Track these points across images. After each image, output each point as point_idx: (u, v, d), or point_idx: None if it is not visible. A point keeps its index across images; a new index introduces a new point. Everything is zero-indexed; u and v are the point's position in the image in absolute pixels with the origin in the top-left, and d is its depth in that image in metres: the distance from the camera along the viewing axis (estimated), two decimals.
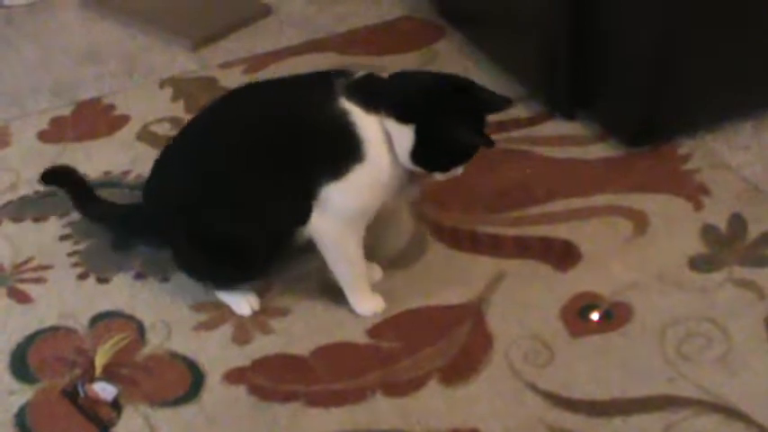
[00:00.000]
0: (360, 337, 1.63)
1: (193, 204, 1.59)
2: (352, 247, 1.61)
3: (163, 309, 1.70)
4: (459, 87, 1.54)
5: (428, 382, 1.54)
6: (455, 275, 1.74)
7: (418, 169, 1.54)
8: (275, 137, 1.54)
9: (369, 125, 1.50)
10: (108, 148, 2.11)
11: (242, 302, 1.68)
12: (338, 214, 1.56)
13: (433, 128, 1.50)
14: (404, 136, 1.50)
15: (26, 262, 1.81)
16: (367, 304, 1.67)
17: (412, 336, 1.62)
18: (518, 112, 2.10)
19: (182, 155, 1.64)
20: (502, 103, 1.55)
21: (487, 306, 1.67)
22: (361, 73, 1.56)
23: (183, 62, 2.41)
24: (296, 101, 1.56)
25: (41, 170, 2.03)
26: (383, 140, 1.50)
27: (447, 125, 1.50)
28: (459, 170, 1.57)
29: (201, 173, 1.58)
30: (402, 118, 1.49)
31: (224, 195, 1.57)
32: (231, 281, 1.68)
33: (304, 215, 1.56)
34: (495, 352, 1.59)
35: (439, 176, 1.57)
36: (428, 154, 1.52)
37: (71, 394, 1.54)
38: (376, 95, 1.51)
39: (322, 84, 1.54)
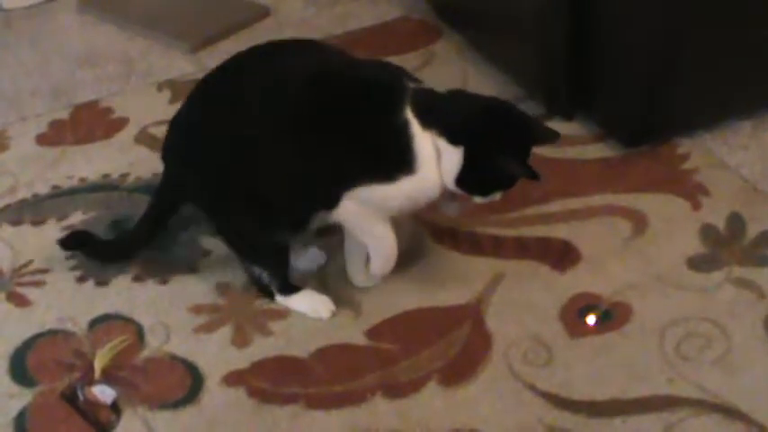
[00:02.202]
0: (359, 339, 1.63)
1: (230, 159, 1.56)
2: (378, 227, 1.60)
3: (162, 311, 1.70)
4: (512, 116, 1.54)
5: (427, 383, 1.54)
6: (454, 276, 1.74)
7: (459, 191, 1.54)
8: (333, 119, 1.51)
9: (424, 140, 1.49)
10: (106, 150, 2.11)
11: (317, 306, 1.68)
12: (368, 206, 1.55)
13: (480, 154, 1.50)
14: (452, 157, 1.50)
15: (25, 265, 1.81)
16: (386, 270, 1.65)
17: (411, 337, 1.62)
18: None
19: (226, 106, 1.58)
20: (551, 136, 1.57)
21: (486, 307, 1.67)
22: (423, 85, 1.55)
23: (182, 65, 2.41)
24: (367, 93, 1.52)
25: (40, 173, 2.04)
26: (434, 157, 1.50)
27: (495, 153, 1.50)
28: (497, 195, 1.57)
29: (245, 130, 1.54)
30: (453, 139, 1.49)
31: (261, 157, 1.54)
32: (254, 235, 1.65)
33: (331, 201, 1.55)
34: (495, 353, 1.59)
35: (478, 200, 1.57)
36: (472, 178, 1.52)
37: (70, 397, 1.54)
38: (433, 112, 1.50)
39: (394, 85, 1.52)
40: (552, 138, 1.58)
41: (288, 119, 1.52)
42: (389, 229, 1.61)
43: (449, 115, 1.51)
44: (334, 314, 1.68)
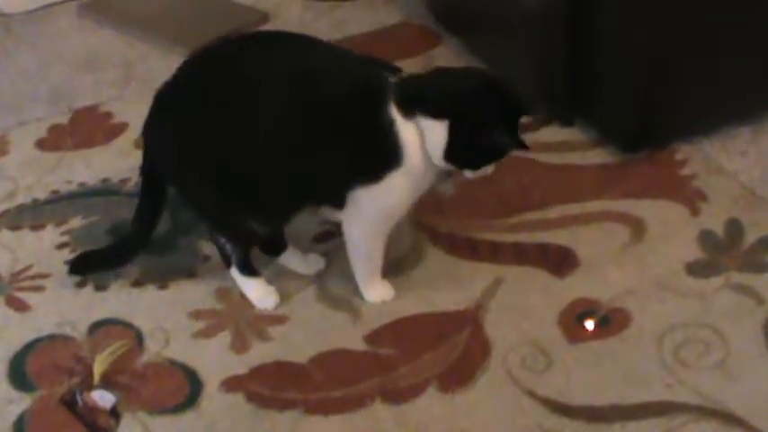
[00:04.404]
0: (358, 344, 1.63)
1: (220, 152, 1.55)
2: (376, 247, 1.65)
3: (161, 316, 1.70)
4: (497, 87, 1.53)
5: (427, 388, 1.54)
6: (453, 282, 1.74)
7: (450, 166, 1.53)
8: (318, 120, 1.51)
9: (408, 131, 1.49)
10: (106, 155, 2.11)
11: (265, 296, 1.71)
12: (370, 216, 1.58)
13: (466, 125, 1.49)
14: (437, 132, 1.49)
15: (24, 270, 1.81)
16: (376, 292, 1.70)
17: (410, 342, 1.62)
18: None
19: (214, 101, 1.56)
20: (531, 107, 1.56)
21: (485, 312, 1.67)
22: (404, 73, 1.54)
23: None
24: (350, 93, 1.52)
25: (39, 178, 2.04)
26: (419, 144, 1.50)
27: (481, 124, 1.49)
28: (489, 169, 1.56)
29: (236, 123, 1.53)
30: (437, 114, 1.48)
31: (253, 153, 1.54)
32: (236, 221, 1.64)
33: (338, 201, 1.56)
34: (494, 358, 1.59)
35: (469, 174, 1.56)
36: (460, 151, 1.50)
37: (69, 402, 1.54)
38: (414, 97, 1.50)
39: (377, 84, 1.51)
40: (532, 108, 1.55)
41: (275, 119, 1.52)
42: (381, 254, 1.66)
43: (430, 92, 1.51)
44: (277, 306, 1.70)
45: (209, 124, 1.55)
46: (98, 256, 1.78)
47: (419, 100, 1.49)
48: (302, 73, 1.53)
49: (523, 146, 1.50)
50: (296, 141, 1.52)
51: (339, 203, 1.57)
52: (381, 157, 1.51)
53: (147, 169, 1.68)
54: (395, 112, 1.49)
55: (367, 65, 1.58)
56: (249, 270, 1.72)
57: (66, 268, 1.78)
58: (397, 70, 1.56)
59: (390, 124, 1.49)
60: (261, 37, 1.67)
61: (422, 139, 1.50)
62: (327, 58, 1.59)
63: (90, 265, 1.77)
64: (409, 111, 1.49)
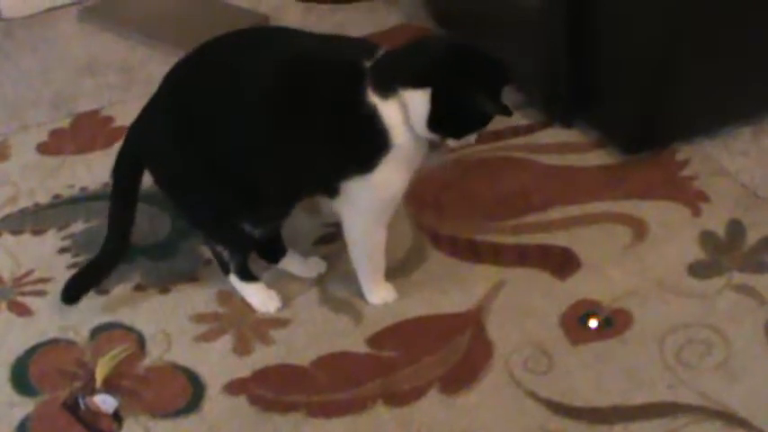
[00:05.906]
0: (360, 347, 1.63)
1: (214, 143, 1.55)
2: (377, 242, 1.64)
3: (163, 320, 1.70)
4: (476, 54, 1.52)
5: (429, 391, 1.55)
6: (454, 284, 1.74)
7: (434, 136, 1.52)
8: (302, 118, 1.51)
9: (390, 111, 1.48)
10: (107, 160, 2.09)
11: (266, 300, 1.71)
12: (369, 207, 1.57)
13: (449, 90, 1.48)
14: (420, 102, 1.47)
15: (26, 275, 1.81)
16: (379, 294, 1.70)
17: (412, 345, 1.63)
18: (516, 120, 2.10)
19: (204, 94, 1.58)
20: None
21: (487, 314, 1.67)
22: (381, 52, 1.52)
23: None
24: (327, 89, 1.51)
25: (41, 182, 2.04)
26: (403, 121, 1.49)
27: (463, 88, 1.48)
28: (472, 138, 1.55)
29: (228, 114, 1.54)
30: (418, 83, 1.47)
31: (244, 140, 1.54)
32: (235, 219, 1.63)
33: (332, 192, 1.56)
34: (496, 360, 1.59)
35: (452, 143, 1.55)
36: (443, 119, 1.49)
37: (72, 407, 1.54)
38: (392, 72, 1.49)
39: (352, 72, 1.50)
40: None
41: (260, 116, 1.52)
42: (382, 250, 1.66)
43: (410, 62, 1.50)
44: (279, 310, 1.70)
45: (203, 128, 1.56)
46: (85, 277, 1.73)
47: (398, 73, 1.48)
48: (283, 71, 1.52)
49: (506, 111, 1.49)
50: (283, 140, 1.52)
51: (333, 193, 1.57)
52: (369, 145, 1.51)
53: (123, 170, 1.67)
54: (374, 97, 1.48)
55: (343, 52, 1.56)
56: (248, 276, 1.72)
57: (68, 274, 1.78)
58: (374, 49, 1.53)
59: (372, 111, 1.48)
60: (239, 36, 1.67)
61: (405, 114, 1.49)
62: (306, 50, 1.56)
63: (82, 288, 1.72)
64: (389, 88, 1.48)
